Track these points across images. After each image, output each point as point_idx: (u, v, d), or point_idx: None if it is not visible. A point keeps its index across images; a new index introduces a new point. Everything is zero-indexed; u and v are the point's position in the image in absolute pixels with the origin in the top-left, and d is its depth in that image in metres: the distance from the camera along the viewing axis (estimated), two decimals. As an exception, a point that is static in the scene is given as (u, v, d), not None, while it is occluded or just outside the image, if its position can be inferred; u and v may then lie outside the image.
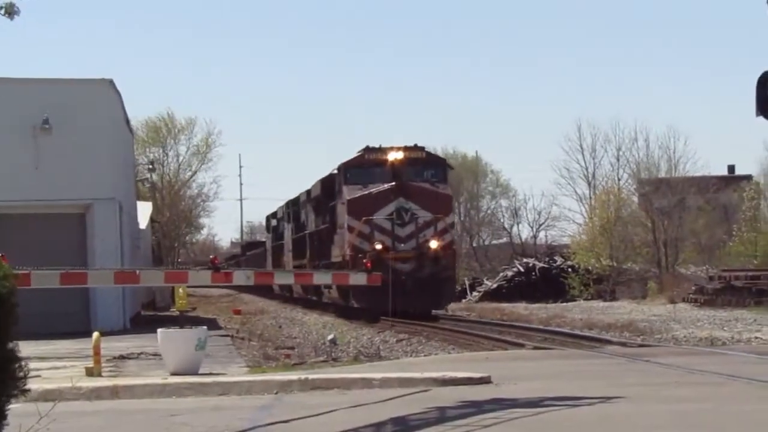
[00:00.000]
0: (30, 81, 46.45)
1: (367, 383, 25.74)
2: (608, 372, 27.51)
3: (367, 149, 52.24)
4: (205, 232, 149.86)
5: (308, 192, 68.11)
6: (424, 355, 35.89)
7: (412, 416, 20.14)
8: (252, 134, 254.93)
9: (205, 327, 32.95)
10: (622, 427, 18.10)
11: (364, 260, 54.37)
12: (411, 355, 36.28)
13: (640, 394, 22.83)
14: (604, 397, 21.98)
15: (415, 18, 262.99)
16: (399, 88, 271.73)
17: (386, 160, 50.93)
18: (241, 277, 52.27)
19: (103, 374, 28.92)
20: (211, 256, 52.55)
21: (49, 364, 25.76)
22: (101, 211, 51.19)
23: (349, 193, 50.37)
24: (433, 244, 48.70)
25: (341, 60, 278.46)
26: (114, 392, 25.90)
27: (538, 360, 31.07)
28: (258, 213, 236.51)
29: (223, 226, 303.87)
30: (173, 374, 28.41)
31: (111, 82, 53.68)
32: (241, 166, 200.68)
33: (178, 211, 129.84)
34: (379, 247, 48.15)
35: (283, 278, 60.64)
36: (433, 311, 51.76)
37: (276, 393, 24.84)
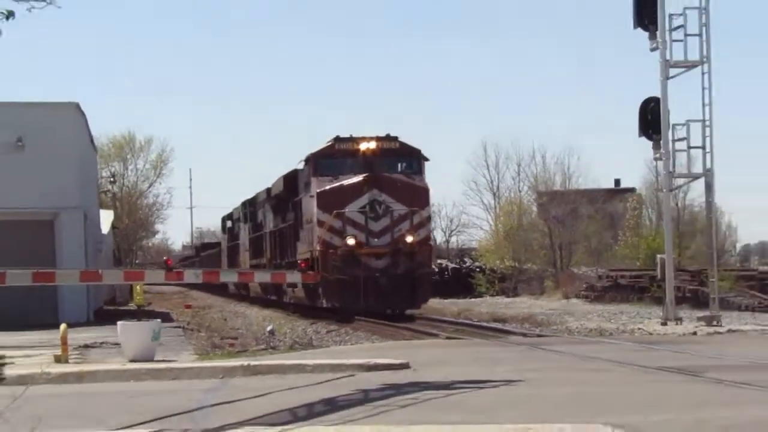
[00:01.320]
0: (5, 104, 46.32)
1: (301, 368, 25.73)
2: (511, 359, 27.62)
3: (338, 139, 46.02)
4: (159, 236, 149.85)
5: (268, 190, 62.29)
6: (351, 344, 35.69)
7: (339, 398, 20.13)
8: (202, 146, 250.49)
9: (159, 320, 32.85)
10: (522, 408, 18.07)
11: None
12: (340, 344, 36.06)
13: (538, 378, 22.97)
14: (507, 381, 22.06)
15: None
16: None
17: (358, 150, 45.07)
18: (191, 275, 52.54)
19: (69, 361, 28.80)
20: (165, 258, 51.97)
21: (22, 352, 25.62)
22: (67, 219, 51.68)
23: (318, 185, 44.70)
24: (409, 238, 43.18)
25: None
26: (79, 377, 25.80)
27: (451, 348, 31.16)
28: (207, 219, 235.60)
29: (175, 231, 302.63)
30: (131, 361, 28.35)
31: (77, 106, 54.80)
32: (191, 179, 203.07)
33: (136, 218, 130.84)
34: (351, 242, 42.89)
35: (227, 276, 60.21)
36: (408, 311, 46.48)
37: (221, 377, 24.80)
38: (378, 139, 44.60)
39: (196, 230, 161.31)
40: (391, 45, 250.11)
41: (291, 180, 51.90)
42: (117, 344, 30.75)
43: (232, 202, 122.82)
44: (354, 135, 44.91)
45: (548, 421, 15.98)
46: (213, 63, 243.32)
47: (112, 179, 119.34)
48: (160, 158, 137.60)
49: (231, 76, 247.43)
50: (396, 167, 44.94)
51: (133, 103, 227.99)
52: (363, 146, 44.44)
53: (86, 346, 32.38)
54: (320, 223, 43.43)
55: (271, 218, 61.41)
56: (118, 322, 31.90)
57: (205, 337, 41.93)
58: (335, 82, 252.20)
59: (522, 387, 21.26)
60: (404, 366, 25.12)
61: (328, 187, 43.79)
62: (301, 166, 49.90)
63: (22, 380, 19.77)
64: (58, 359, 28.98)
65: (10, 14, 8.75)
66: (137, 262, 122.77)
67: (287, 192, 53.10)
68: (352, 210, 42.66)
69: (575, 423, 15.80)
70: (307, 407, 19.05)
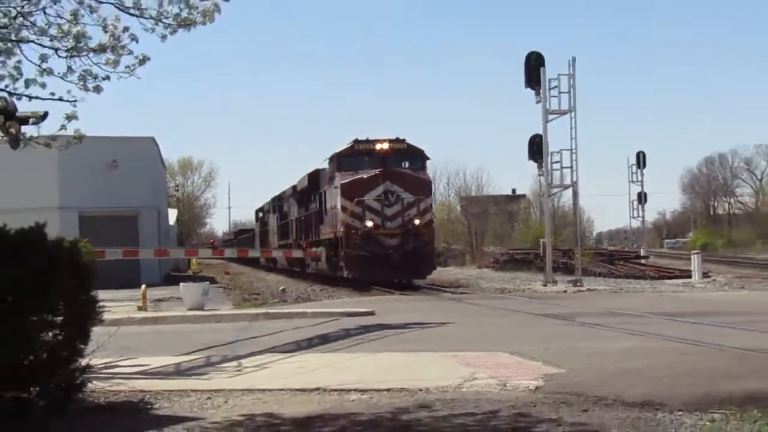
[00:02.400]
0: (106, 138, 46.23)
1: (302, 315, 25.68)
2: (444, 308, 27.58)
3: (357, 141, 42.82)
4: (207, 227, 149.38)
5: (293, 187, 58.04)
6: (337, 299, 35.47)
7: (329, 333, 20.19)
8: (239, 154, 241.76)
9: (208, 282, 32.91)
10: (451, 341, 18.10)
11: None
12: (329, 299, 35.85)
13: (461, 321, 22.95)
14: (441, 323, 22.05)
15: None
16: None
17: (374, 150, 41.93)
18: (229, 252, 52.42)
19: (147, 309, 28.83)
20: (211, 240, 51.72)
21: (116, 303, 25.47)
22: (146, 215, 52.88)
23: (342, 178, 41.32)
24: (416, 222, 40.08)
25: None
26: (154, 320, 25.82)
27: (403, 302, 31.00)
28: (240, 215, 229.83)
29: (218, 223, 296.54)
30: (189, 309, 28.45)
31: (153, 139, 56.42)
32: (229, 189, 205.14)
33: (192, 214, 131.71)
34: (370, 224, 39.63)
35: (253, 253, 60.34)
36: (414, 281, 42.69)
37: (249, 321, 24.76)
38: (389, 141, 42.14)
39: (233, 223, 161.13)
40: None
41: (314, 177, 49.10)
42: (179, 298, 30.82)
43: (262, 198, 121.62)
44: (370, 138, 42.54)
45: (469, 350, 15.97)
46: (242, 92, 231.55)
47: (176, 188, 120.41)
48: (209, 175, 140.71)
49: (263, 101, 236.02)
50: (404, 163, 41.93)
51: (191, 129, 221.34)
52: (378, 146, 41.86)
53: (159, 300, 32.42)
54: (343, 209, 40.48)
55: (295, 209, 57.72)
56: (180, 284, 32.07)
57: (239, 294, 41.81)
58: (350, 96, 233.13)
59: (451, 327, 21.33)
60: (371, 313, 25.13)
61: (349, 180, 40.79)
62: (325, 164, 46.46)
63: (115, 322, 19.58)
64: (139, 308, 29.03)
65: (105, 78, 8.56)
66: (193, 243, 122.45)
67: (310, 187, 50.08)
68: (369, 198, 39.83)
69: (487, 351, 15.81)
70: (307, 341, 19.08)
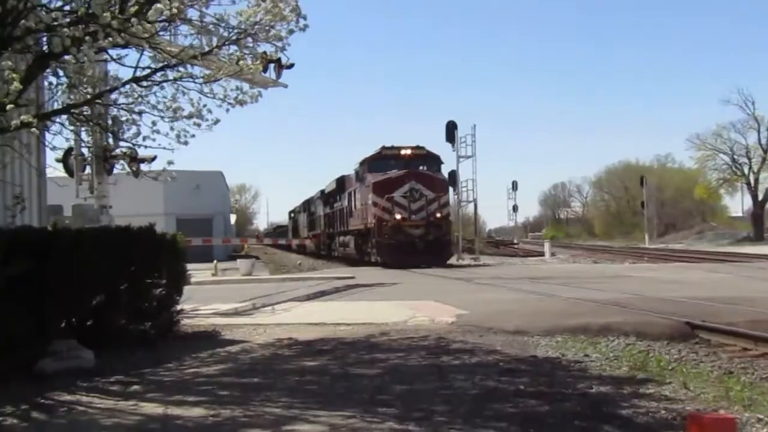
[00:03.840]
0: (192, 171, 46.10)
1: (310, 279, 25.47)
2: (395, 275, 26.63)
3: (384, 148, 35.13)
4: (254, 225, 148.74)
5: (322, 191, 48.48)
6: (332, 269, 35.01)
7: (326, 290, 19.98)
8: (275, 164, 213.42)
9: (254, 258, 32.70)
10: (401, 294, 17.98)
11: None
12: (328, 268, 35.41)
13: (406, 282, 22.57)
14: (394, 283, 21.88)
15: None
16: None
17: (399, 154, 34.47)
18: (268, 240, 52.03)
19: (217, 275, 28.56)
20: (256, 234, 51.60)
21: (199, 271, 25.25)
22: (217, 218, 53.54)
23: (373, 178, 33.69)
24: (438, 215, 32.64)
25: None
26: (221, 282, 25.58)
27: (374, 270, 30.59)
28: (276, 216, 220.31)
29: (261, 223, 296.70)
30: (243, 276, 28.13)
31: (221, 172, 58.30)
32: (267, 203, 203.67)
33: (245, 218, 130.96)
34: (398, 217, 32.14)
35: (282, 241, 58.87)
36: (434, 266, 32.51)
37: (279, 282, 24.58)
38: (412, 147, 34.66)
39: (270, 222, 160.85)
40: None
41: (341, 181, 40.76)
42: (237, 268, 30.48)
43: (293, 203, 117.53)
44: (395, 144, 35.22)
45: (412, 299, 15.92)
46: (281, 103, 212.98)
47: (235, 202, 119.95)
48: (255, 194, 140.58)
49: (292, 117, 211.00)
50: (423, 167, 34.08)
51: (241, 157, 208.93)
52: (402, 152, 34.46)
53: (224, 270, 32.00)
54: (375, 204, 32.87)
55: (321, 208, 48.77)
56: (237, 259, 31.78)
57: (273, 266, 41.58)
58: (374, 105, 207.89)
59: (400, 286, 21.03)
60: (352, 277, 24.73)
61: (381, 179, 33.15)
62: (351, 169, 38.68)
63: (198, 283, 19.52)
64: (213, 274, 28.76)
65: (192, 136, 8.68)
66: (245, 234, 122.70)
67: (338, 189, 41.42)
68: (398, 195, 32.37)
69: (423, 300, 15.78)
70: (313, 294, 18.92)
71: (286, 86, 11.79)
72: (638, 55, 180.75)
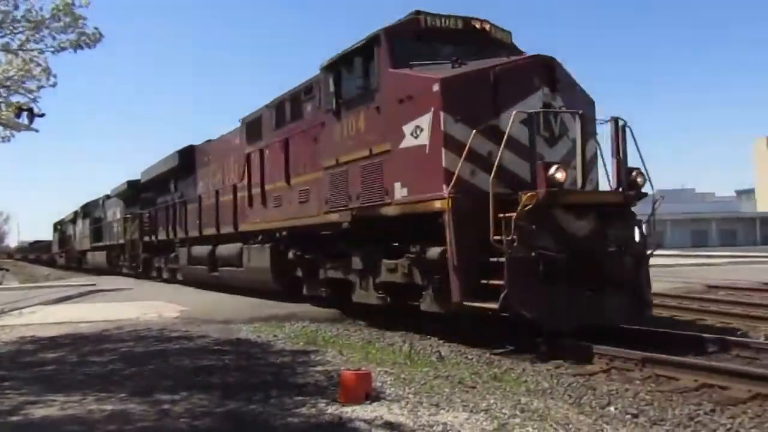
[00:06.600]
0: None
1: (56, 287, 22.06)
2: (131, 281, 22.46)
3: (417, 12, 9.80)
4: (5, 243, 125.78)
5: (132, 183, 24.90)
6: (79, 277, 30.41)
7: (71, 295, 17.46)
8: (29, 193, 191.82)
9: (5, 270, 27.58)
10: (136, 296, 16.43)
11: None
12: (75, 279, 30.69)
13: (141, 287, 20.07)
14: (130, 288, 19.75)
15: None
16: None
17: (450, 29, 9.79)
18: (18, 255, 43.25)
19: None
20: (8, 251, 42.10)
21: None
22: None
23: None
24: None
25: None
26: None
27: (113, 278, 26.46)
28: (27, 235, 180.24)
29: (11, 242, 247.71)
30: (-8, 285, 23.56)
31: None
32: (18, 225, 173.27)
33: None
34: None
35: (33, 255, 49.83)
36: None
37: (28, 290, 21.05)
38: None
39: (20, 240, 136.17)
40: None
41: (201, 152, 18.11)
42: None
43: (52, 218, 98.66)
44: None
45: (145, 300, 14.80)
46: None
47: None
48: (7, 218, 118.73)
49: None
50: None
51: None
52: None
53: None
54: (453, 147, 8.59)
55: (121, 210, 26.48)
56: None
57: (22, 277, 35.49)
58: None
59: (136, 290, 19.12)
60: (94, 284, 21.19)
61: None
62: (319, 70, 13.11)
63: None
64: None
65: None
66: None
67: (180, 169, 19.14)
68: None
69: (155, 300, 14.75)
70: (58, 299, 16.54)
71: (37, 131, 10.35)
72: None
